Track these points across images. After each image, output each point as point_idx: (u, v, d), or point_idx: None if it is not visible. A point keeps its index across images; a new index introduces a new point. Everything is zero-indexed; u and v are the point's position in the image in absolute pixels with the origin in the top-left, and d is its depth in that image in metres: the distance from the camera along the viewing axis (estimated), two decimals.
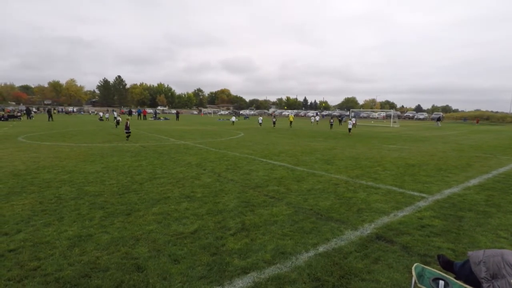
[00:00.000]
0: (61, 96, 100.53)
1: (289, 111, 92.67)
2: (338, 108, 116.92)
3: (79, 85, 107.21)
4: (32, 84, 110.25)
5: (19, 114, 38.37)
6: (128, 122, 15.93)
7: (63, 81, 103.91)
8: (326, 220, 4.61)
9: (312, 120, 40.85)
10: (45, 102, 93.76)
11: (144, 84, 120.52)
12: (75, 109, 75.93)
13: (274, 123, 33.75)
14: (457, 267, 2.60)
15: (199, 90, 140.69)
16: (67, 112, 67.58)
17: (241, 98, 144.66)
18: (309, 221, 4.52)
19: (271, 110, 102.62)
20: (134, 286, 2.85)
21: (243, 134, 21.32)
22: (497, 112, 76.05)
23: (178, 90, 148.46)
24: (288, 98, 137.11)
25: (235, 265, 3.23)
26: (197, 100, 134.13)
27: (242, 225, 4.35)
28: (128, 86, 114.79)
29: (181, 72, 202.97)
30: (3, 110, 50.08)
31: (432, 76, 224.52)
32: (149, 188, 6.27)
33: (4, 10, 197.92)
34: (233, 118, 43.55)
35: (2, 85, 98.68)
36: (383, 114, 70.31)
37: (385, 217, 4.74)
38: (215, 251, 3.54)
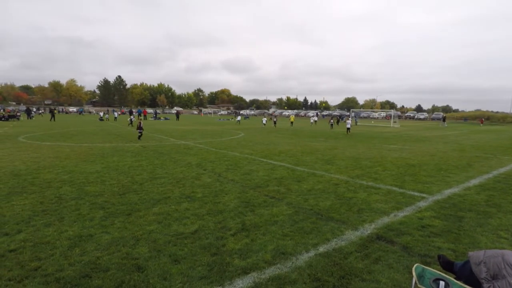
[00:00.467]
0: (61, 96, 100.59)
1: (289, 111, 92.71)
2: (338, 108, 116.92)
3: (79, 85, 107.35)
4: (33, 84, 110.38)
5: (18, 114, 38.23)
6: (141, 123, 16.61)
7: (63, 81, 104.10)
8: (327, 220, 4.61)
9: (312, 121, 40.27)
10: (46, 102, 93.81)
11: (144, 84, 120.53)
12: (80, 109, 76.19)
13: (275, 123, 34.13)
14: (458, 268, 2.61)
15: (199, 90, 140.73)
16: (80, 113, 68.38)
17: (241, 98, 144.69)
18: (309, 221, 4.52)
19: (271, 110, 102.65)
20: (135, 286, 2.85)
21: (243, 134, 21.32)
22: (497, 112, 76.06)
23: (178, 90, 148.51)
24: (288, 98, 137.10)
25: (235, 265, 3.23)
26: (197, 100, 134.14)
27: (242, 225, 4.35)
28: (128, 86, 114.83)
29: (182, 72, 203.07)
30: (3, 110, 50.14)
31: (433, 76, 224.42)
32: (150, 188, 6.27)
33: (4, 10, 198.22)
34: (239, 118, 44.27)
35: (3, 85, 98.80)
36: (383, 114, 70.31)
37: (385, 217, 4.74)
38: (216, 251, 3.54)
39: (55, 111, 40.06)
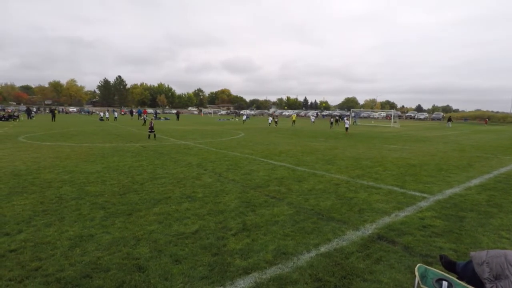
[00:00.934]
0: (61, 96, 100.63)
1: (290, 111, 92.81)
2: (338, 108, 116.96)
3: (79, 85, 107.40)
4: (33, 84, 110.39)
5: (16, 114, 38.03)
6: (152, 122, 17.02)
7: (63, 81, 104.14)
8: (328, 220, 4.60)
9: (312, 120, 43.44)
10: (46, 102, 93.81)
11: (144, 84, 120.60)
12: (87, 110, 76.55)
13: (276, 122, 34.85)
14: (460, 268, 2.60)
15: (200, 90, 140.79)
16: (89, 113, 69.00)
17: (241, 98, 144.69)
18: (310, 221, 4.52)
19: (271, 110, 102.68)
20: (136, 286, 2.84)
21: (243, 134, 21.32)
22: (497, 112, 76.04)
23: (178, 90, 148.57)
24: (288, 98, 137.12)
25: (236, 266, 3.23)
26: (197, 100, 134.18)
27: (243, 225, 4.34)
28: (128, 86, 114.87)
29: (182, 72, 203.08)
30: (4, 110, 50.16)
31: (433, 76, 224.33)
32: (150, 188, 6.27)
33: (4, 10, 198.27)
34: (244, 117, 44.70)
35: (3, 85, 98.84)
36: (383, 114, 70.30)
37: (386, 217, 4.73)
38: (217, 251, 3.54)
39: (56, 111, 40.01)
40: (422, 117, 72.51)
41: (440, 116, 69.97)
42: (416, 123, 50.74)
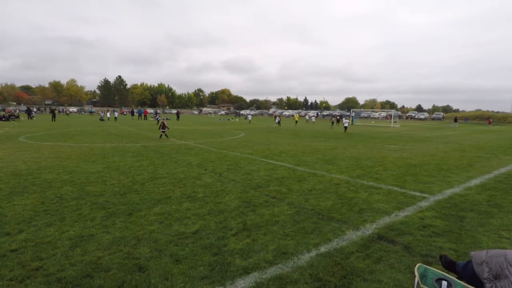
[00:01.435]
0: (61, 96, 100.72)
1: (290, 111, 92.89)
2: (338, 108, 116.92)
3: (79, 85, 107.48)
4: (33, 84, 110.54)
5: (15, 114, 37.87)
6: (165, 122, 17.51)
7: (64, 81, 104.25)
8: (328, 220, 4.61)
9: (313, 120, 45.96)
10: (46, 102, 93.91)
11: (144, 84, 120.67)
12: (90, 110, 76.80)
13: (279, 122, 35.56)
14: (460, 268, 2.60)
15: (200, 90, 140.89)
16: (92, 112, 69.64)
17: (242, 98, 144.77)
18: (310, 221, 4.52)
19: (271, 110, 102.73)
20: (136, 286, 2.85)
21: (244, 134, 21.32)
22: (498, 112, 75.97)
23: (178, 90, 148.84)
24: (288, 98, 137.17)
25: (236, 265, 3.23)
26: (197, 100, 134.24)
27: (243, 225, 4.35)
28: (128, 86, 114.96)
29: (182, 72, 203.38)
30: (4, 110, 50.19)
31: (433, 76, 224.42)
32: (151, 188, 6.27)
33: (4, 10, 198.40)
34: (249, 117, 45.03)
35: (3, 85, 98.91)
36: (383, 114, 70.29)
37: (386, 217, 4.73)
38: (217, 251, 3.54)
39: (56, 111, 40.04)
40: (422, 117, 72.48)
41: (440, 116, 69.92)
42: (417, 123, 50.72)
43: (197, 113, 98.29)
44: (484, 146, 15.44)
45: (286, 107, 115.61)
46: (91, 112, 72.62)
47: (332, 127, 31.53)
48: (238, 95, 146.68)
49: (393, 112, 52.81)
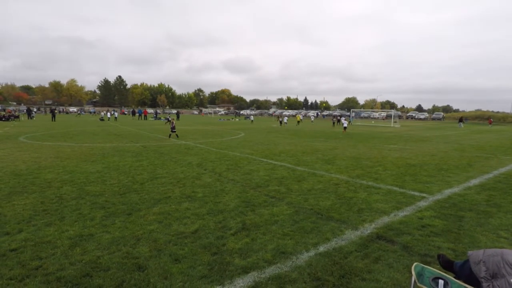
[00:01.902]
0: (61, 96, 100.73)
1: (290, 111, 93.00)
2: (338, 108, 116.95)
3: (79, 85, 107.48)
4: (33, 84, 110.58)
5: (15, 115, 37.78)
6: (174, 122, 17.94)
7: (64, 81, 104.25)
8: (327, 220, 4.62)
9: (312, 119, 48.62)
10: (46, 102, 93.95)
11: (144, 84, 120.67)
12: (92, 110, 76.84)
13: (281, 122, 36.01)
14: (457, 267, 2.61)
15: (200, 90, 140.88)
16: (94, 112, 69.83)
17: (242, 98, 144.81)
18: (309, 221, 4.53)
19: (271, 110, 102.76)
20: (135, 285, 2.86)
21: (244, 134, 21.33)
22: (498, 112, 75.91)
23: (178, 90, 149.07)
24: (288, 98, 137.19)
25: (235, 265, 3.24)
26: (197, 100, 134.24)
27: (242, 224, 4.36)
28: (128, 86, 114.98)
29: (182, 72, 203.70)
30: (4, 110, 50.23)
31: (433, 76, 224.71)
32: (150, 188, 6.28)
33: (4, 10, 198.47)
34: (252, 117, 45.27)
35: (3, 85, 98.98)
36: (383, 114, 70.32)
37: (385, 217, 4.74)
38: (216, 251, 3.55)
39: (56, 111, 40.06)
40: (422, 117, 72.46)
41: (440, 116, 69.90)
42: (416, 123, 50.70)
43: (197, 113, 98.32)
44: (484, 146, 15.44)
45: (286, 107, 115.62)
46: (94, 112, 72.68)
47: (333, 127, 32.62)
48: (238, 95, 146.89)
49: (393, 112, 52.84)
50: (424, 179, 7.45)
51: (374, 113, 75.19)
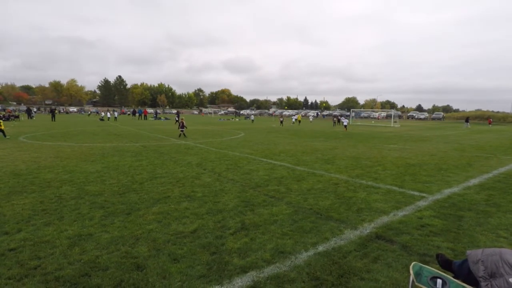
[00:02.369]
0: (61, 96, 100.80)
1: (290, 111, 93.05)
2: (338, 108, 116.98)
3: (80, 85, 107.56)
4: (33, 84, 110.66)
5: (15, 114, 37.68)
6: (184, 122, 18.16)
7: (64, 81, 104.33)
8: (326, 219, 4.62)
9: (311, 119, 50.37)
10: (46, 102, 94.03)
11: (144, 84, 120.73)
12: (95, 111, 76.77)
13: (281, 122, 36.42)
14: (456, 266, 2.61)
15: (200, 90, 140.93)
16: (97, 112, 70.00)
17: (242, 98, 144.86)
18: (308, 221, 4.53)
19: (271, 110, 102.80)
20: (134, 285, 2.86)
21: (244, 134, 21.33)
22: (498, 112, 75.87)
23: (178, 90, 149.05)
24: (288, 98, 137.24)
25: (234, 264, 3.24)
26: (197, 100, 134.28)
27: (242, 224, 4.36)
28: (128, 86, 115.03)
29: (182, 72, 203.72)
30: (4, 110, 50.25)
31: (433, 76, 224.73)
32: (150, 187, 6.28)
33: (4, 10, 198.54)
34: (252, 117, 45.54)
35: (3, 85, 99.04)
36: (383, 114, 70.31)
37: (384, 217, 4.74)
38: (215, 250, 3.55)
39: (56, 111, 40.06)
40: (422, 117, 72.42)
41: (440, 116, 69.87)
42: (416, 123, 50.68)
43: (197, 113, 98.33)
44: (484, 146, 15.43)
45: (286, 107, 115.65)
46: (97, 113, 72.74)
47: (334, 127, 33.26)
48: (238, 95, 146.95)
49: (393, 112, 52.83)
50: (423, 178, 7.45)
51: (374, 113, 75.18)
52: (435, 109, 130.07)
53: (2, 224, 4.24)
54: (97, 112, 71.55)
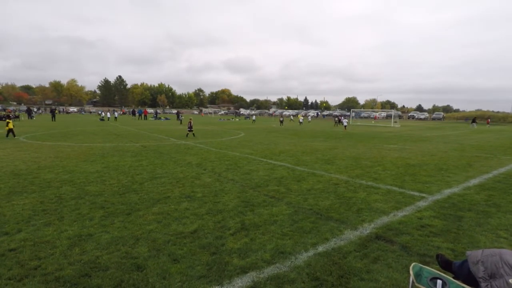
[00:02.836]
0: (62, 96, 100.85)
1: (290, 111, 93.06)
2: (339, 108, 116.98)
3: (80, 85, 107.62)
4: (33, 84, 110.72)
5: (14, 114, 37.58)
6: (192, 122, 18.07)
7: (64, 81, 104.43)
8: (326, 219, 4.62)
9: (309, 119, 49.81)
10: (46, 102, 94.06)
11: (145, 84, 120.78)
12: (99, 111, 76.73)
13: (281, 122, 36.60)
14: (456, 267, 2.61)
15: (200, 90, 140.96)
16: (100, 112, 69.90)
17: (242, 98, 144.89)
18: (308, 221, 4.53)
19: (271, 110, 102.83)
20: (134, 285, 2.86)
21: (244, 134, 21.33)
22: (498, 112, 75.79)
23: (178, 90, 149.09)
24: (288, 98, 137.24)
25: (234, 265, 3.24)
26: (197, 100, 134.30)
27: (241, 224, 4.36)
28: (129, 86, 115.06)
29: (182, 72, 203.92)
30: (4, 110, 50.26)
31: (433, 76, 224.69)
32: (150, 188, 6.28)
33: (5, 10, 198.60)
34: (254, 117, 45.46)
35: (4, 85, 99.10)
36: (383, 114, 70.29)
37: (384, 217, 4.74)
38: (215, 251, 3.55)
39: (56, 111, 40.06)
40: (422, 117, 72.39)
41: (440, 116, 69.83)
42: (417, 123, 50.66)
43: (197, 113, 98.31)
44: (484, 146, 15.43)
45: (286, 107, 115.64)
46: (100, 113, 72.75)
47: (335, 126, 33.67)
48: (239, 95, 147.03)
49: (393, 112, 52.82)
50: (423, 179, 7.45)
51: (374, 113, 75.16)
52: (435, 109, 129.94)
53: (2, 224, 4.25)
54: (99, 113, 71.45)
